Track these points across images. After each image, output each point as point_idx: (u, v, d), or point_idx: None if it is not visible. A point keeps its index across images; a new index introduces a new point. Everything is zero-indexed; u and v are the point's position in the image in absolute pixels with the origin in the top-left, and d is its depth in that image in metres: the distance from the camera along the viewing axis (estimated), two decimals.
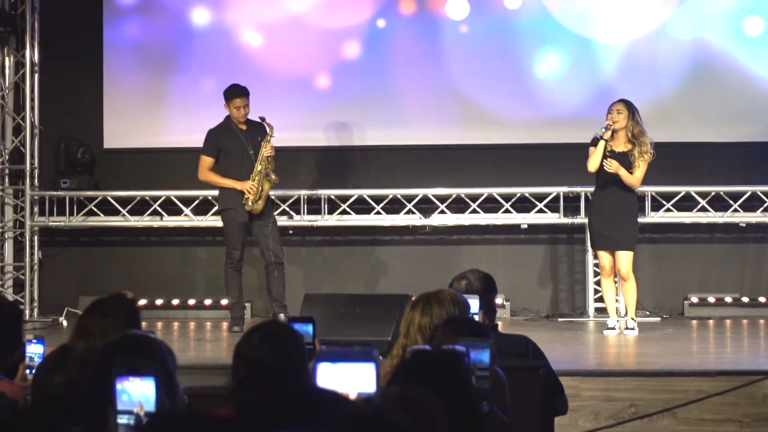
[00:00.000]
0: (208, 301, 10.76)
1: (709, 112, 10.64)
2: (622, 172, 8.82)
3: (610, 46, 10.65)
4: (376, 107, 10.80)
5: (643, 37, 10.62)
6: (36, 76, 10.94)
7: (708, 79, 10.60)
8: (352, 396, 2.61)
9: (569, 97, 10.62)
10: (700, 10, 10.60)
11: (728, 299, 10.50)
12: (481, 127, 10.72)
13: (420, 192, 10.61)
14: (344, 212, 10.72)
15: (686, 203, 10.51)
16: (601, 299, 9.74)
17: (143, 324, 3.96)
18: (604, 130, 8.89)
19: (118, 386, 2.65)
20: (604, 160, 8.80)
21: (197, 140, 9.53)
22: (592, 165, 8.94)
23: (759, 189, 10.42)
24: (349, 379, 2.63)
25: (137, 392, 2.67)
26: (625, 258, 8.95)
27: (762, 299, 10.49)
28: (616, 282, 9.21)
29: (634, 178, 8.88)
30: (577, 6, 10.69)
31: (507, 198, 10.59)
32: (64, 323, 10.24)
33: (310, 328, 3.63)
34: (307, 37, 10.79)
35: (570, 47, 10.69)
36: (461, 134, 10.75)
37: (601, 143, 8.88)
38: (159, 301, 10.70)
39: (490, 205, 10.63)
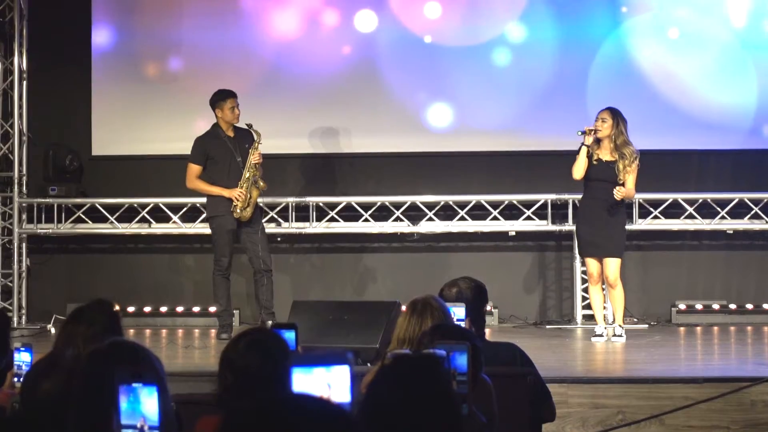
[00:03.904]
0: (196, 309, 10.75)
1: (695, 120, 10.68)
2: (628, 195, 8.90)
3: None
4: (363, 114, 10.81)
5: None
6: (24, 83, 10.93)
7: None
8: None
9: (557, 105, 10.63)
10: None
11: (715, 306, 10.52)
12: (469, 134, 10.73)
13: (408, 199, 10.61)
14: (332, 219, 10.71)
15: (673, 210, 10.53)
16: (588, 306, 9.76)
17: (131, 332, 3.96)
18: (581, 133, 8.89)
19: (120, 401, 2.60)
20: (614, 189, 8.79)
21: (185, 148, 9.53)
22: (577, 172, 8.95)
23: (746, 196, 10.45)
24: (324, 382, 2.61)
25: (140, 406, 2.62)
26: (613, 265, 8.95)
27: (749, 306, 10.50)
28: (603, 289, 9.22)
29: (631, 191, 8.93)
30: None
31: (495, 205, 10.59)
32: (52, 330, 10.19)
33: (292, 335, 3.62)
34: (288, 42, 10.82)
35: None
36: (449, 142, 10.75)
37: (583, 149, 8.90)
38: (147, 309, 10.66)
39: (478, 212, 10.64)
